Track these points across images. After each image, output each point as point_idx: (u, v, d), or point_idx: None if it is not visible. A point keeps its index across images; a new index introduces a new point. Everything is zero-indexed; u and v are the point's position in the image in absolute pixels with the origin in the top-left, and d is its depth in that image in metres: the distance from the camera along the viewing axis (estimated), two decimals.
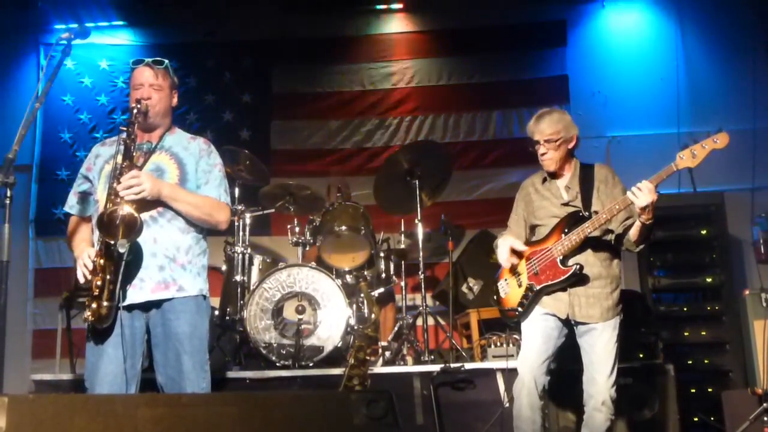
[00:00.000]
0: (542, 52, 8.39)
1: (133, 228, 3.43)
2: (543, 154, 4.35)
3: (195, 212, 3.78)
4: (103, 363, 3.60)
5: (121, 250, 3.40)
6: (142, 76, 3.88)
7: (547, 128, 4.30)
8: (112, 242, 3.41)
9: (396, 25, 8.73)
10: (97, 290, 3.48)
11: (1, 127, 7.60)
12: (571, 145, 4.36)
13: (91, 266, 3.55)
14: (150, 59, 3.94)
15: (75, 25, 3.57)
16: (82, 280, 3.61)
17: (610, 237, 4.28)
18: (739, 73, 7.89)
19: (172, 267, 3.72)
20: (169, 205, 3.72)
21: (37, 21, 8.16)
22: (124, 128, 3.71)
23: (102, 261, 3.49)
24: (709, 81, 7.99)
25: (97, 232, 3.60)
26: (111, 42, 8.61)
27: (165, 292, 3.69)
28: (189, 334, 3.69)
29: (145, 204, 3.66)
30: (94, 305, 3.48)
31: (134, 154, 3.70)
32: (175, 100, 4.02)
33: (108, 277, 3.47)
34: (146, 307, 3.70)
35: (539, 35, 8.42)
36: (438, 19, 8.67)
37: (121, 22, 8.59)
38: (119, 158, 3.65)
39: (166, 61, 3.97)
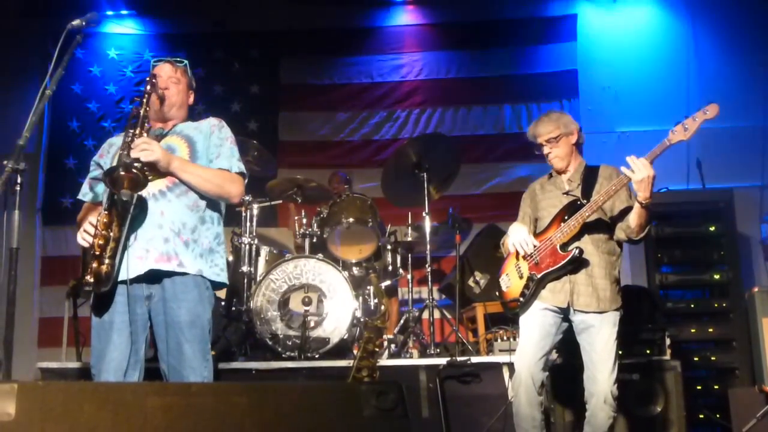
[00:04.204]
0: (552, 46, 8.37)
1: (137, 183, 3.44)
2: (548, 154, 4.42)
3: (205, 185, 3.80)
4: (109, 350, 3.62)
5: (125, 198, 3.42)
6: (162, 70, 4.03)
7: (544, 129, 4.39)
8: (117, 193, 3.43)
9: (405, 17, 8.71)
10: (99, 249, 3.48)
11: (11, 114, 7.61)
12: (573, 140, 4.39)
13: (92, 230, 3.56)
14: (171, 58, 4.12)
15: (86, 14, 3.57)
16: (84, 244, 3.60)
17: (611, 229, 4.27)
18: (750, 69, 7.87)
19: (175, 241, 3.73)
20: (178, 177, 3.74)
21: (47, 8, 8.16)
22: (138, 98, 3.79)
23: (105, 219, 3.51)
24: (719, 77, 7.95)
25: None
26: (120, 31, 8.62)
27: (167, 264, 3.68)
28: (190, 323, 3.70)
29: (154, 177, 3.71)
30: (94, 264, 3.48)
31: (145, 124, 3.74)
32: (191, 99, 4.13)
33: (111, 234, 3.48)
34: (149, 279, 3.68)
35: (549, 29, 8.39)
36: (448, 12, 8.65)
37: (130, 12, 8.59)
38: (131, 128, 3.69)
39: (186, 61, 4.13)
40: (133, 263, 3.61)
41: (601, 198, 4.08)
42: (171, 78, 3.99)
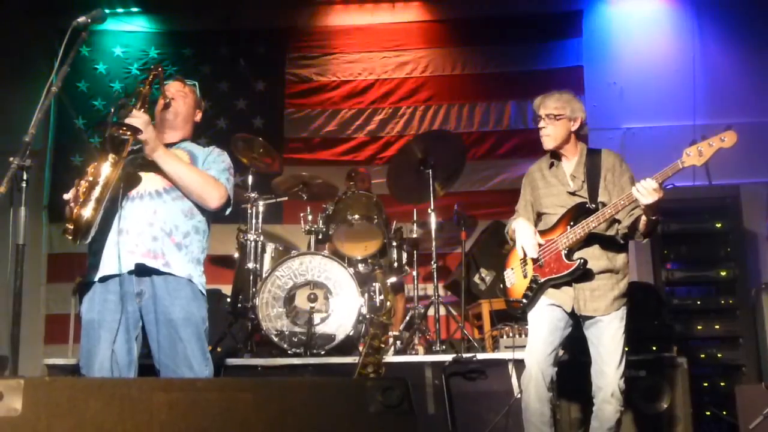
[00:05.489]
0: (558, 42, 8.35)
1: (131, 130, 3.48)
2: (542, 129, 4.36)
3: (185, 179, 3.76)
4: (99, 348, 3.59)
5: (115, 134, 3.43)
6: (171, 86, 4.06)
7: (551, 103, 4.34)
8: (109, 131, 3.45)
9: (411, 14, 8.70)
10: (84, 195, 3.45)
11: (17, 111, 7.61)
12: (574, 127, 4.33)
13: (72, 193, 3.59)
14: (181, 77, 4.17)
15: (92, 11, 3.57)
16: (67, 195, 3.63)
17: (617, 227, 4.25)
18: (756, 65, 7.85)
19: (165, 241, 3.71)
20: (160, 165, 3.71)
21: (53, 6, 8.16)
22: (144, 76, 3.84)
23: (92, 168, 3.50)
24: (725, 73, 7.94)
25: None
26: (125, 29, 8.62)
27: (153, 261, 3.66)
28: (183, 320, 3.67)
29: (150, 178, 3.75)
30: (75, 209, 3.43)
31: (146, 103, 3.75)
32: (198, 117, 4.15)
33: (100, 180, 3.45)
34: (139, 274, 3.66)
35: (555, 25, 8.38)
36: (453, 9, 8.64)
37: (135, 9, 8.59)
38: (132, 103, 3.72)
39: (196, 82, 4.18)
40: (126, 257, 3.62)
41: (609, 211, 4.05)
42: (179, 92, 4.02)
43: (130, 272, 3.64)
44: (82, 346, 3.68)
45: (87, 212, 3.42)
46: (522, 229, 4.37)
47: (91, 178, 3.46)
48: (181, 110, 4.01)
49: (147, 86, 3.79)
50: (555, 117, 4.30)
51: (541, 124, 4.36)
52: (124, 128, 3.49)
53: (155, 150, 3.67)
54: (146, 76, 3.85)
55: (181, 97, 4.02)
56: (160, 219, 3.73)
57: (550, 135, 4.34)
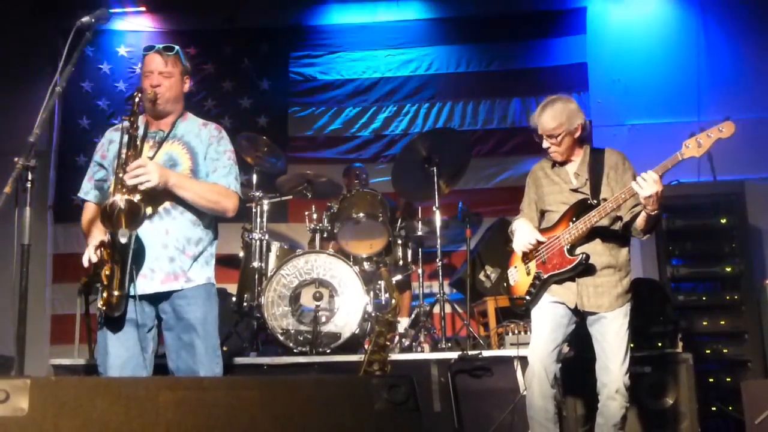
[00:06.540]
0: (562, 39, 8.33)
1: (136, 217, 3.42)
2: (547, 148, 4.36)
3: (201, 201, 3.76)
4: (115, 347, 3.64)
5: (123, 240, 3.39)
6: (153, 63, 3.86)
7: (548, 123, 4.28)
8: (115, 234, 3.42)
9: (414, 12, 8.69)
10: (107, 280, 3.49)
11: (22, 112, 7.62)
12: (576, 135, 4.31)
13: (93, 258, 3.58)
14: (161, 45, 3.92)
15: (96, 11, 3.55)
16: (86, 264, 3.63)
17: (619, 225, 4.25)
18: (761, 60, 7.83)
19: (182, 259, 3.74)
20: (176, 193, 3.69)
21: (57, 6, 8.17)
22: (126, 117, 3.68)
23: (107, 256, 3.52)
24: (729, 68, 7.92)
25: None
26: (130, 28, 8.62)
27: (174, 284, 3.71)
28: (201, 319, 3.72)
29: (155, 196, 3.68)
30: (104, 294, 3.52)
31: (138, 144, 3.68)
32: (187, 86, 4.00)
33: (116, 266, 3.48)
34: (156, 297, 3.72)
35: (559, 22, 8.36)
36: (456, 6, 8.62)
37: (140, 8, 8.58)
38: (123, 150, 3.63)
39: (177, 47, 3.94)
40: (140, 280, 3.64)
41: (610, 205, 4.05)
42: (162, 73, 3.83)
43: (146, 297, 3.68)
44: (99, 344, 3.72)
45: (114, 299, 3.51)
46: (520, 229, 4.40)
47: (108, 263, 3.50)
48: (170, 95, 3.84)
49: (135, 126, 3.68)
50: (555, 137, 4.29)
51: (545, 144, 4.35)
52: (127, 209, 3.42)
53: (167, 183, 3.63)
54: (130, 113, 3.68)
55: (165, 78, 3.83)
56: (173, 237, 3.73)
57: (557, 152, 4.34)
